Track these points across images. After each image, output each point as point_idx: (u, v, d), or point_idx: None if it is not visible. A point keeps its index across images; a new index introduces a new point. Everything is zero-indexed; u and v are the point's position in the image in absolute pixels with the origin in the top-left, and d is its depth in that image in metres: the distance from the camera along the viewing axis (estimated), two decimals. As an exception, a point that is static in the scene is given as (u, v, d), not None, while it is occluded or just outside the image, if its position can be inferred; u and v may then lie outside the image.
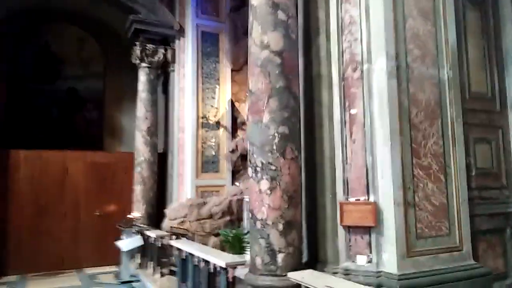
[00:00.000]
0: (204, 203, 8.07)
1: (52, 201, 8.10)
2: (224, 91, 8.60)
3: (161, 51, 8.51)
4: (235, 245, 6.17)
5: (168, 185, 8.68)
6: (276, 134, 3.40)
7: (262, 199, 3.35)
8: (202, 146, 8.35)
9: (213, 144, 8.45)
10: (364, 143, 3.44)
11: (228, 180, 8.55)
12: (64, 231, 8.08)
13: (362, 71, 3.52)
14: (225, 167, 8.53)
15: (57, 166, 8.22)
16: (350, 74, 3.61)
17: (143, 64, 8.35)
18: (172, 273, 6.18)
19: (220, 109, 8.55)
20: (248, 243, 6.17)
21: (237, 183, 8.56)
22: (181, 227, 7.11)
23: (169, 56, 8.58)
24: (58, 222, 8.07)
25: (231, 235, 6.27)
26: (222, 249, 7.23)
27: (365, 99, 3.49)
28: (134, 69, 8.63)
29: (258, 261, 3.31)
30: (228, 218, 7.97)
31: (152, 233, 6.42)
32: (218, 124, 8.50)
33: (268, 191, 3.34)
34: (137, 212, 7.75)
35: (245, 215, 7.55)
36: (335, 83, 3.73)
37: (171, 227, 6.75)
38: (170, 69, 8.74)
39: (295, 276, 3.11)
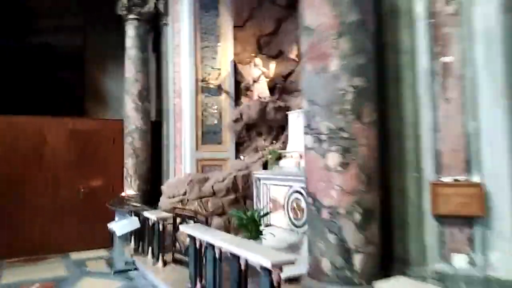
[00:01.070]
0: (206, 179, 7.11)
1: (28, 175, 6.93)
2: (226, 50, 7.47)
3: (152, 0, 7.24)
4: (251, 228, 5.27)
5: (163, 158, 7.64)
6: (349, 88, 2.42)
7: (330, 178, 2.42)
8: (202, 113, 7.28)
9: (215, 111, 7.40)
10: (463, 102, 2.51)
11: (232, 152, 7.57)
12: (45, 209, 6.97)
13: (460, 3, 2.54)
14: (228, 138, 7.52)
15: (33, 135, 7.00)
16: (441, 7, 2.63)
17: (131, 16, 7.10)
18: (176, 261, 5.26)
19: (222, 71, 7.44)
20: (268, 225, 5.33)
21: (241, 156, 7.59)
22: (186, 207, 6.14)
23: (161, 7, 7.34)
24: (36, 199, 6.94)
25: (245, 216, 5.36)
26: (227, 230, 6.37)
27: (464, 43, 2.53)
28: (120, 22, 7.37)
29: (325, 264, 2.40)
30: (233, 196, 7.06)
31: (151, 215, 5.44)
32: (219, 88, 7.41)
33: (339, 168, 2.40)
34: (131, 189, 6.71)
35: (256, 193, 6.64)
36: (419, 20, 2.73)
37: (174, 207, 5.77)
38: (162, 22, 7.52)
39: (385, 287, 2.22)
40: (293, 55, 7.57)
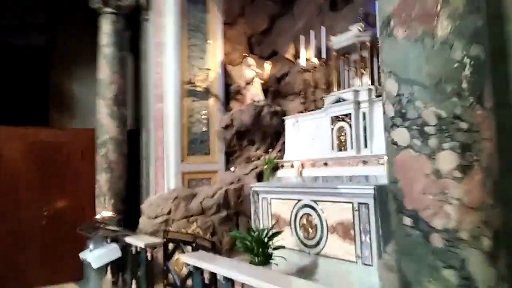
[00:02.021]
0: (193, 195, 6.22)
1: (-22, 196, 5.76)
2: (215, 49, 6.66)
3: (132, -8, 6.36)
4: (257, 251, 4.43)
5: (142, 172, 6.65)
6: (466, 60, 1.70)
7: (443, 189, 1.66)
8: (189, 120, 6.40)
9: (202, 117, 6.54)
10: None
11: (221, 164, 6.71)
12: (0, 236, 5.78)
13: None
14: (217, 147, 6.67)
15: (-17, 148, 5.85)
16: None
17: (108, 9, 6.16)
18: (168, 297, 4.31)
19: (210, 73, 6.61)
20: (276, 248, 4.51)
21: (232, 168, 6.76)
22: (184, 231, 5.22)
23: (143, 0, 6.45)
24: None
25: (249, 237, 4.52)
26: (219, 253, 5.48)
27: None
28: (93, 18, 6.41)
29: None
30: (224, 213, 6.22)
31: (136, 241, 4.47)
32: (207, 92, 6.58)
33: (457, 173, 1.65)
34: (106, 210, 5.67)
35: (253, 209, 5.80)
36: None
37: (166, 231, 4.82)
38: (142, 17, 6.62)
39: None
40: (289, 55, 6.87)
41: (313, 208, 4.82)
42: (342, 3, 6.29)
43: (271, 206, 5.53)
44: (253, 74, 6.57)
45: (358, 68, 5.36)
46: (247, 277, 2.57)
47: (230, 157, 6.83)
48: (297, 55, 6.83)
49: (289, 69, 6.94)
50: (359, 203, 4.20)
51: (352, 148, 5.15)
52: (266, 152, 6.58)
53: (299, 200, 5.04)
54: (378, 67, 5.23)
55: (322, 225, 4.68)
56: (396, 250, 1.90)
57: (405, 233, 1.79)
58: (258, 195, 5.81)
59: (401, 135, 1.82)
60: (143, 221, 5.99)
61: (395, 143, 1.87)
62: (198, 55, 6.54)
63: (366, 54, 5.37)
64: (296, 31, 6.70)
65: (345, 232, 4.37)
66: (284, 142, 6.52)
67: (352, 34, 5.34)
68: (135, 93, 6.92)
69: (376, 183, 4.24)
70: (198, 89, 6.48)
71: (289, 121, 6.38)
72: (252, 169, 6.61)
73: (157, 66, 6.43)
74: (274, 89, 7.04)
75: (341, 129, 5.33)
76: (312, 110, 6.05)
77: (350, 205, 4.31)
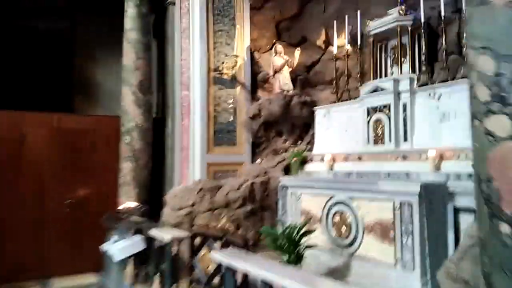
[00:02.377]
0: (219, 188, 5.97)
1: (2, 182, 5.67)
2: (242, 35, 6.36)
3: (158, -26, 6.12)
4: (289, 250, 4.16)
5: (167, 162, 6.45)
6: None
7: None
8: (215, 109, 6.15)
9: (229, 106, 6.27)
10: None
11: (248, 155, 6.46)
12: (23, 225, 5.71)
13: None
14: (244, 138, 6.40)
15: (8, 133, 5.74)
16: None
17: (132, -8, 5.93)
18: (194, 294, 4.11)
19: (238, 60, 6.32)
20: (308, 247, 4.24)
21: (258, 160, 6.48)
22: (211, 225, 5.00)
23: (167, -18, 6.20)
24: (13, 212, 5.68)
25: (280, 235, 4.24)
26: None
27: None
28: (117, 2, 6.19)
29: None
30: (249, 207, 5.94)
31: (163, 234, 4.27)
32: (234, 79, 6.30)
33: None
34: (130, 200, 5.50)
35: (281, 203, 5.53)
36: None
37: (192, 224, 4.60)
38: (167, 1, 6.36)
39: None
40: (319, 41, 6.51)
41: (347, 205, 4.50)
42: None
43: (301, 201, 5.23)
44: (282, 62, 6.25)
45: (398, 55, 4.96)
46: (289, 281, 2.30)
47: (256, 148, 6.56)
48: (328, 42, 6.47)
49: (320, 57, 6.59)
50: (401, 202, 3.86)
51: (390, 141, 4.79)
52: (294, 144, 6.27)
53: (332, 197, 4.72)
54: (419, 54, 4.85)
55: (357, 224, 4.36)
56: (485, 262, 1.58)
57: (501, 243, 1.47)
58: (286, 189, 5.52)
59: (500, 123, 1.49)
60: (166, 212, 5.80)
61: (490, 133, 1.54)
62: (225, 41, 6.26)
63: (406, 40, 4.96)
64: (327, 16, 6.33)
65: (384, 232, 4.04)
66: (313, 134, 6.19)
67: (391, 17, 4.94)
68: (160, 80, 6.71)
69: (419, 180, 3.88)
70: (224, 76, 6.21)
71: (319, 112, 6.04)
72: (279, 162, 6.31)
73: (183, 52, 6.18)
74: (303, 78, 6.70)
75: (378, 121, 4.96)
76: (346, 100, 5.69)
77: (391, 203, 3.98)
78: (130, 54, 5.91)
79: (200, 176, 5.99)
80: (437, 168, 4.21)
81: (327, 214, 4.78)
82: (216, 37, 6.18)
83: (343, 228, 4.55)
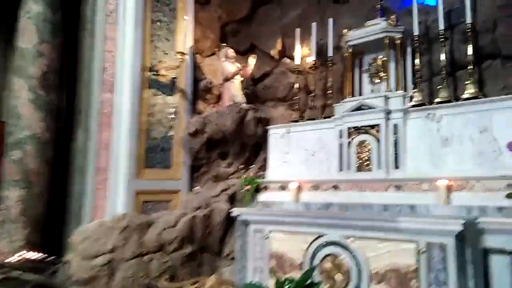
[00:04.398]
0: (149, 224, 4.53)
1: None
2: (184, 31, 5.10)
3: None
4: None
5: (73, 189, 4.64)
6: None
7: None
8: (148, 120, 4.70)
9: (166, 118, 4.88)
10: None
11: (185, 181, 5.11)
12: None
13: None
14: (181, 159, 5.05)
15: None
16: None
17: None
18: None
19: (178, 60, 5.01)
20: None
21: (196, 187, 5.18)
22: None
23: None
24: None
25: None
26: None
27: None
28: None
29: None
30: (188, 249, 4.68)
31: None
32: (173, 84, 4.97)
33: None
34: (20, 245, 3.60)
35: (240, 245, 4.32)
36: None
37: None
38: (90, -27, 4.76)
39: None
40: (274, 51, 5.62)
41: (344, 247, 3.57)
42: (347, -5, 5.32)
43: (270, 241, 4.12)
44: (235, 69, 5.17)
45: (386, 70, 4.35)
46: None
47: (195, 172, 5.25)
48: (284, 53, 5.64)
49: (272, 69, 5.69)
50: (429, 244, 3.09)
51: (380, 168, 4.05)
52: (244, 168, 5.16)
53: (320, 236, 3.75)
54: (413, 71, 4.32)
55: (359, 270, 3.45)
56: None
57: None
58: (247, 225, 4.36)
59: None
60: (74, 263, 4.05)
61: None
62: (164, 35, 4.93)
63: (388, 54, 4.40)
64: (286, 23, 5.52)
65: (402, 283, 3.20)
66: (266, 158, 5.18)
67: (378, 28, 4.33)
68: (70, 76, 4.93)
69: (462, 217, 3.16)
70: (162, 79, 4.84)
71: (275, 132, 5.08)
72: (223, 190, 5.13)
73: (107, 41, 4.62)
74: (250, 92, 5.69)
75: (363, 144, 4.22)
76: (311, 119, 4.86)
77: (412, 245, 3.17)
78: (30, 34, 4.12)
79: (124, 209, 4.45)
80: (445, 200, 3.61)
81: (312, 259, 3.77)
82: (154, 28, 4.81)
83: (338, 276, 3.59)
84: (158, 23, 4.87)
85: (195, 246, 4.70)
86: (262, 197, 4.94)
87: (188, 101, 5.14)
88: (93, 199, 4.50)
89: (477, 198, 3.45)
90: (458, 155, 3.69)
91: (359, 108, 4.26)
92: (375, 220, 3.44)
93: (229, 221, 4.68)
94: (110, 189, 4.48)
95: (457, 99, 3.88)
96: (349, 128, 4.32)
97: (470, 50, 3.82)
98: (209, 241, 4.80)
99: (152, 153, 4.73)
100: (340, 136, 4.39)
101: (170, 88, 4.91)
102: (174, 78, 4.83)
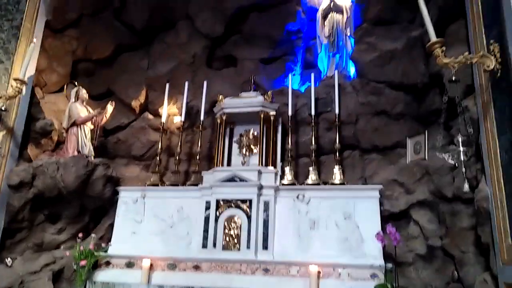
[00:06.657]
0: None
1: None
2: (28, 56, 4.00)
3: None
4: None
5: None
6: None
7: None
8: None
9: (-21, 161, 3.56)
10: None
11: (-10, 251, 3.72)
12: None
13: None
14: (-11, 220, 3.71)
15: None
16: None
17: None
18: None
19: (12, 89, 3.83)
20: None
21: (8, 260, 3.84)
22: None
23: None
24: None
25: None
26: None
27: None
28: None
29: None
30: None
31: None
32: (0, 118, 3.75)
33: None
34: None
35: None
36: None
37: None
38: None
39: None
40: (135, 103, 4.95)
41: None
42: (221, 62, 5.22)
43: None
44: (88, 115, 4.28)
45: (259, 144, 4.24)
46: None
47: (8, 239, 3.90)
48: (146, 106, 5.04)
49: (130, 122, 4.99)
50: None
51: (249, 248, 3.74)
52: (78, 237, 4.08)
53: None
54: (282, 148, 4.30)
55: None
56: None
57: None
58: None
59: None
60: None
61: None
62: (-3, 56, 3.78)
63: (258, 129, 4.36)
64: (152, 75, 5.01)
65: None
66: (111, 225, 4.30)
67: (256, 101, 4.28)
68: None
69: None
70: (-15, 111, 3.59)
71: (127, 195, 4.34)
72: (47, 265, 3.98)
73: None
74: (99, 144, 4.80)
75: (231, 219, 3.87)
76: (175, 185, 4.32)
77: None
78: None
79: None
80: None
81: None
82: (-17, 42, 3.63)
83: None
84: (-9, 41, 3.72)
85: None
86: (102, 275, 3.96)
87: (16, 143, 3.93)
88: None
89: (345, 287, 3.44)
90: (325, 239, 3.70)
91: (231, 180, 3.97)
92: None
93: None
94: None
95: (325, 183, 4.00)
96: (218, 200, 3.95)
97: (337, 138, 4.07)
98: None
99: None
100: (207, 208, 3.97)
101: (-7, 122, 3.67)
102: (2, 110, 3.62)
